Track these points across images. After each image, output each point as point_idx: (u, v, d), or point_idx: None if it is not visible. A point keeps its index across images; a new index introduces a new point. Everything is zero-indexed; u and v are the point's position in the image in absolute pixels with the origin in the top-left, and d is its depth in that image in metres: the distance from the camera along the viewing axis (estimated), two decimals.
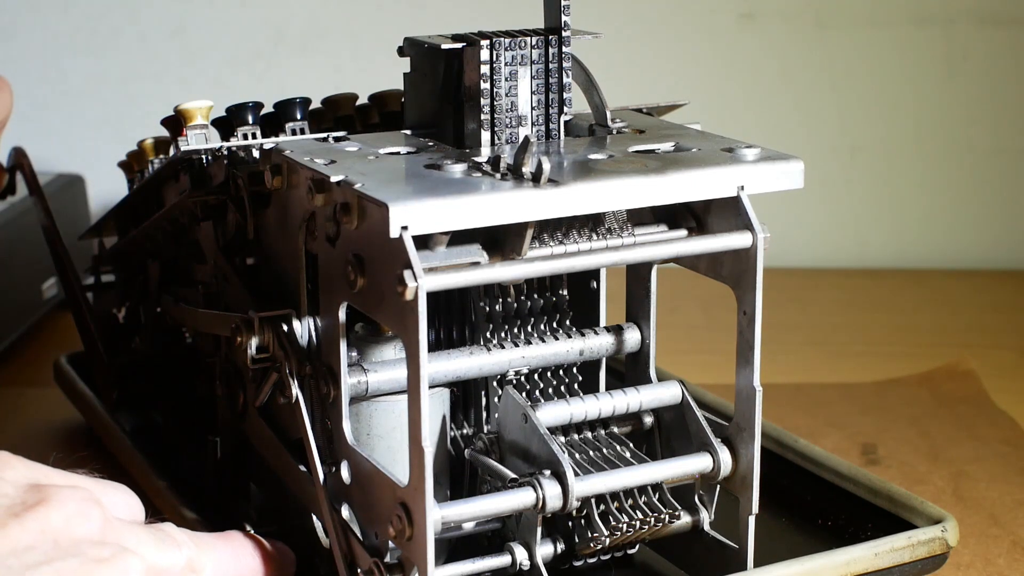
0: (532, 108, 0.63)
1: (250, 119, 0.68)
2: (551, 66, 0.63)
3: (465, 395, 0.67)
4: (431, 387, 0.59)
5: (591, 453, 0.62)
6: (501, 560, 0.61)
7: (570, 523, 0.62)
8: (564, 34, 0.63)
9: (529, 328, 0.66)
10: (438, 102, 0.64)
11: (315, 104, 0.71)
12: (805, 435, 0.77)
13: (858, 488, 0.70)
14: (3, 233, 0.98)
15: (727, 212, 0.60)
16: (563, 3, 0.63)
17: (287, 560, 0.62)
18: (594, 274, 0.68)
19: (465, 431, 0.66)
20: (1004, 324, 1.07)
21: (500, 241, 0.58)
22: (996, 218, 1.22)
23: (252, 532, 0.62)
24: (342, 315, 0.58)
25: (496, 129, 0.63)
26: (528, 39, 0.63)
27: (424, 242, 0.56)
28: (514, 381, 0.65)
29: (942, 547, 0.65)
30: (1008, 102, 1.20)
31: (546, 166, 0.56)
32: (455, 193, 0.54)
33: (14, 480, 0.52)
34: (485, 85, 0.62)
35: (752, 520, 0.62)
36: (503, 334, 0.65)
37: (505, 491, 0.59)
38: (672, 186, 0.58)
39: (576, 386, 0.67)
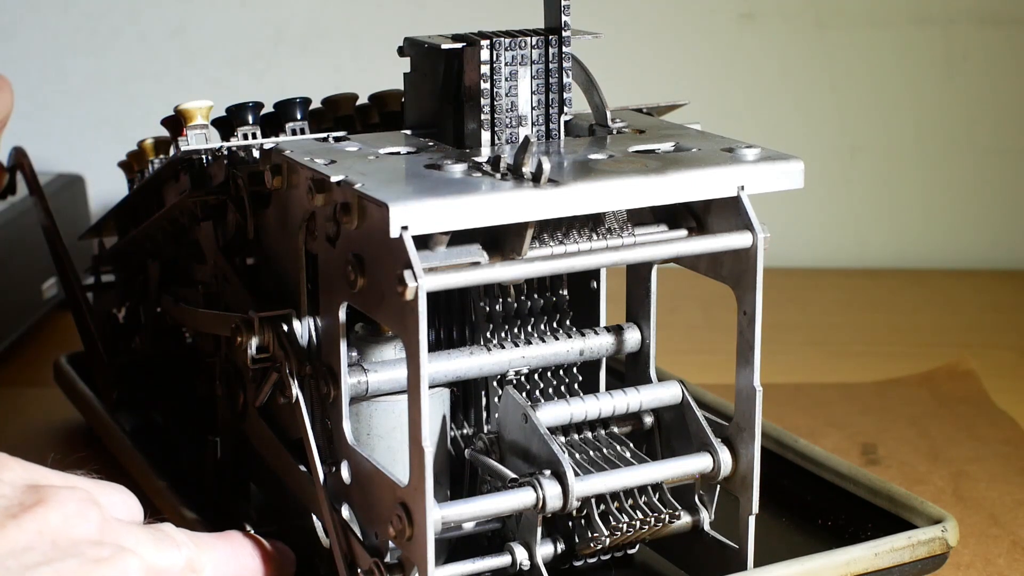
0: (532, 108, 0.63)
1: (250, 119, 0.68)
2: (551, 66, 0.63)
3: (465, 395, 0.67)
4: (431, 387, 0.59)
5: (591, 453, 0.62)
6: (501, 560, 0.61)
7: (570, 523, 0.62)
8: (564, 34, 0.63)
9: (529, 328, 0.66)
10: (438, 102, 0.64)
11: (315, 104, 0.71)
12: (805, 435, 0.77)
13: (858, 488, 0.70)
14: (3, 233, 0.98)
15: (727, 212, 0.60)
16: (563, 3, 0.63)
17: (287, 560, 0.62)
18: (594, 274, 0.68)
19: (465, 431, 0.66)
20: (1004, 324, 1.07)
21: (500, 241, 0.58)
22: (996, 218, 1.22)
23: (252, 532, 0.62)
24: (342, 315, 0.58)
25: (496, 129, 0.63)
26: (528, 39, 0.63)
27: (424, 242, 0.56)
28: (514, 381, 0.65)
29: (942, 547, 0.65)
30: (1008, 102, 1.20)
31: (546, 166, 0.56)
32: (455, 193, 0.54)
33: (12, 481, 0.52)
34: (485, 85, 0.62)
35: (752, 520, 0.62)
36: (503, 334, 0.65)
37: (505, 491, 0.59)
38: (672, 186, 0.58)
39: (576, 386, 0.67)
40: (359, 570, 0.59)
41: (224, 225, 0.68)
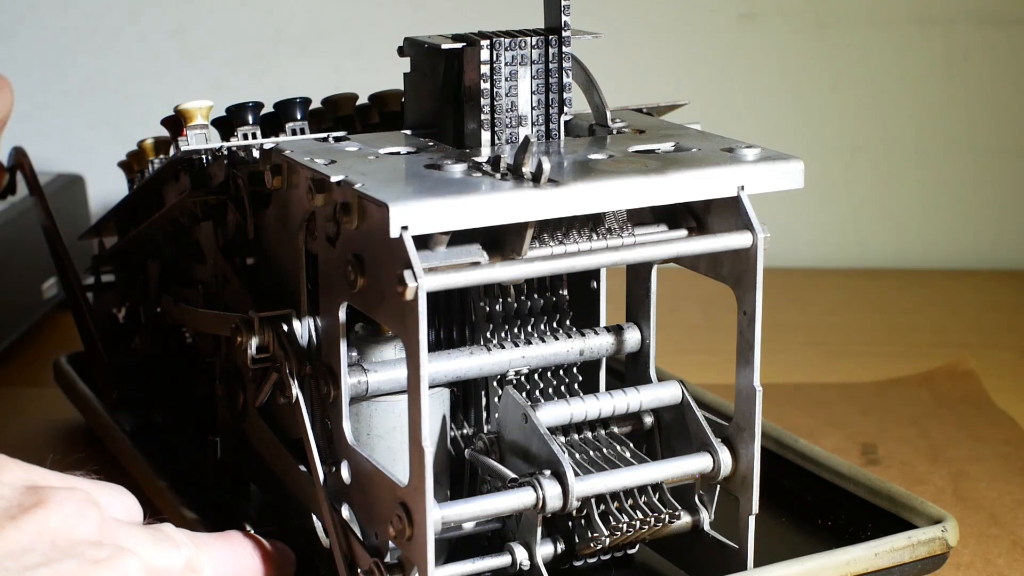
0: (532, 108, 0.63)
1: (250, 119, 0.68)
2: (551, 66, 0.63)
3: (465, 395, 0.67)
4: (431, 387, 0.59)
5: (591, 453, 0.62)
6: (501, 560, 0.61)
7: (570, 523, 0.62)
8: (564, 34, 0.63)
9: (529, 328, 0.66)
10: (438, 102, 0.64)
11: (315, 104, 0.71)
12: (805, 435, 0.77)
13: (858, 488, 0.70)
14: (3, 233, 0.98)
15: (727, 212, 0.60)
16: (563, 3, 0.63)
17: (287, 560, 0.62)
18: (594, 274, 0.68)
19: (465, 431, 0.66)
20: (1004, 324, 1.07)
21: (500, 241, 0.58)
22: (996, 218, 1.22)
23: (252, 532, 0.62)
24: (342, 315, 0.58)
25: (496, 129, 0.63)
26: (528, 39, 0.63)
27: (424, 242, 0.56)
28: (514, 381, 0.65)
29: (942, 547, 0.65)
30: (1008, 102, 1.20)
31: (546, 166, 0.56)
32: (455, 193, 0.54)
33: (11, 482, 0.52)
34: (485, 85, 0.62)
35: (752, 520, 0.62)
36: (503, 334, 0.65)
37: (505, 491, 0.59)
38: (672, 186, 0.58)
39: (576, 386, 0.67)
40: (359, 570, 0.59)
41: (224, 225, 0.68)
